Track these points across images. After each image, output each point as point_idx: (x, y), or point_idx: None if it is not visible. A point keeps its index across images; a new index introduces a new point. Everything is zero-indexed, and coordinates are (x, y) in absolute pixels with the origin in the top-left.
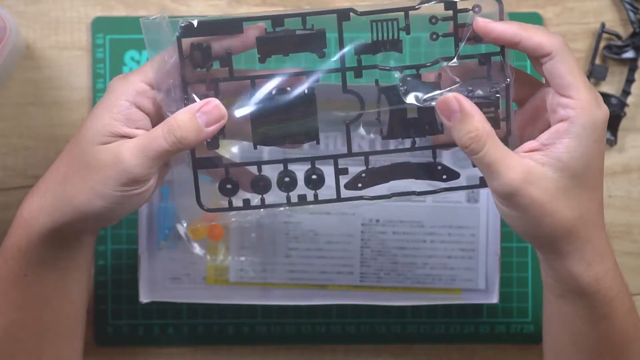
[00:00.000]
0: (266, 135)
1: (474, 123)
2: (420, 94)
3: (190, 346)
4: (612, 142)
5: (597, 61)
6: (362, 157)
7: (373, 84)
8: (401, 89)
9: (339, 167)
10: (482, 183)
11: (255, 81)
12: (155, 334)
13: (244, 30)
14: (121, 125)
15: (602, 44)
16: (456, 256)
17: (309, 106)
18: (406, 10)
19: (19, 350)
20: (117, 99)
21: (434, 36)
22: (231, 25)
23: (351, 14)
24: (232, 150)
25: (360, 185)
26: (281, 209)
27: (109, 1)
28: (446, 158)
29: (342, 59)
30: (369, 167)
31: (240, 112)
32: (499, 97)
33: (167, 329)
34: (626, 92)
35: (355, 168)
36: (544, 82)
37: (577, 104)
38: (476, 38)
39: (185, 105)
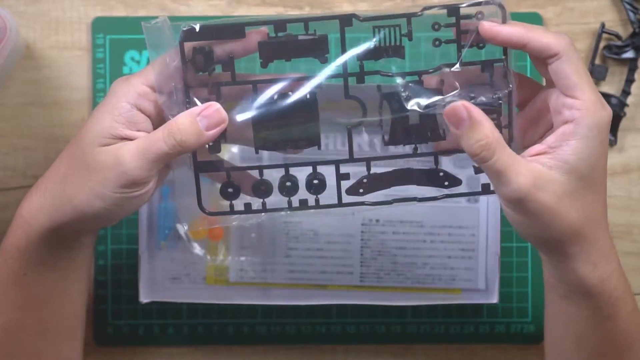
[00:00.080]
0: (267, 140)
1: (484, 130)
2: (422, 101)
3: (190, 346)
4: (612, 142)
5: (597, 61)
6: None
7: (374, 85)
8: (403, 94)
9: (341, 172)
10: (484, 190)
11: (257, 86)
12: (155, 334)
13: (246, 35)
14: (122, 128)
15: (602, 44)
16: (456, 256)
17: (311, 111)
18: (408, 16)
19: (19, 350)
20: (119, 101)
21: (437, 42)
22: (233, 30)
23: (354, 19)
24: (232, 150)
25: (361, 190)
26: (282, 212)
27: (109, 1)
28: (447, 158)
29: (345, 64)
30: (371, 172)
31: (242, 116)
32: (501, 103)
33: (167, 329)
34: (626, 92)
35: (356, 168)
36: (544, 84)
37: (582, 104)
38: (479, 43)
39: (188, 109)
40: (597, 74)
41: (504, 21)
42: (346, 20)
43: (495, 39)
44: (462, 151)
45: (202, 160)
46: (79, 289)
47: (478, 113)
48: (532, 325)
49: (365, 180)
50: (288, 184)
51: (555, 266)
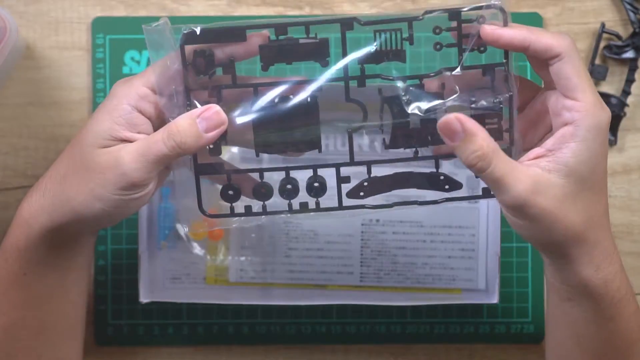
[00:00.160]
0: (268, 143)
1: (479, 142)
2: (422, 105)
3: (190, 346)
4: (612, 142)
5: (597, 61)
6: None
7: (376, 87)
8: (404, 98)
9: (341, 175)
10: (485, 194)
11: (258, 89)
12: (155, 334)
13: (247, 38)
14: (122, 130)
15: (602, 44)
16: (456, 256)
17: (312, 115)
18: (410, 20)
19: (18, 350)
20: (119, 103)
21: (438, 46)
22: (234, 33)
23: (355, 23)
24: (232, 150)
25: (362, 194)
26: (282, 215)
27: (109, 1)
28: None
29: (345, 67)
30: (371, 175)
31: (242, 119)
32: (502, 107)
33: (167, 329)
34: (626, 92)
35: (356, 169)
36: (542, 86)
37: (582, 106)
38: (480, 47)
39: (188, 111)
40: (597, 74)
41: (505, 24)
42: (347, 24)
43: (497, 42)
44: None
45: (202, 162)
46: (78, 289)
47: (471, 124)
48: (532, 325)
49: (365, 184)
50: (288, 186)
51: (557, 269)
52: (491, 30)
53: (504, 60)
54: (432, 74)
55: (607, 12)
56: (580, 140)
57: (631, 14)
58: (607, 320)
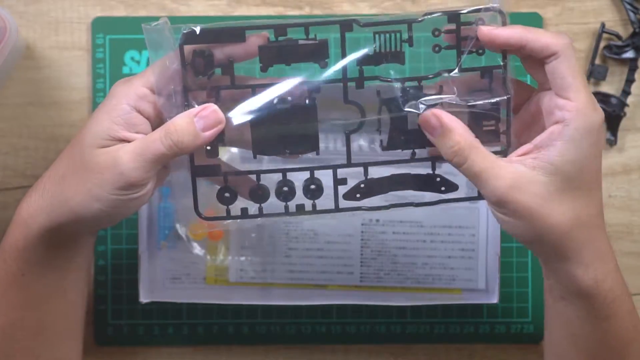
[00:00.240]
0: (266, 145)
1: (454, 137)
2: (420, 105)
3: (190, 346)
4: (612, 142)
5: (597, 61)
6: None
7: (374, 88)
8: (402, 100)
9: (338, 177)
10: (481, 195)
11: (256, 90)
12: (155, 334)
13: (246, 39)
14: (121, 130)
15: (602, 44)
16: (456, 256)
17: (310, 117)
18: (409, 22)
19: (17, 351)
20: (118, 103)
21: (437, 48)
22: (234, 34)
23: (354, 24)
24: (231, 150)
25: (358, 195)
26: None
27: (109, 1)
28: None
29: (344, 69)
30: (368, 177)
31: (240, 120)
32: (499, 109)
33: (167, 329)
34: (626, 92)
35: (354, 169)
36: (537, 87)
37: (574, 106)
38: (478, 49)
39: None
40: (597, 74)
41: (503, 26)
42: (347, 25)
43: (494, 42)
44: None
45: (199, 164)
46: (77, 290)
47: (448, 119)
48: (532, 325)
49: (362, 185)
50: (285, 189)
51: (548, 267)
52: (487, 30)
53: (502, 63)
54: (430, 76)
55: (607, 12)
56: (568, 139)
57: (631, 14)
58: (601, 320)
